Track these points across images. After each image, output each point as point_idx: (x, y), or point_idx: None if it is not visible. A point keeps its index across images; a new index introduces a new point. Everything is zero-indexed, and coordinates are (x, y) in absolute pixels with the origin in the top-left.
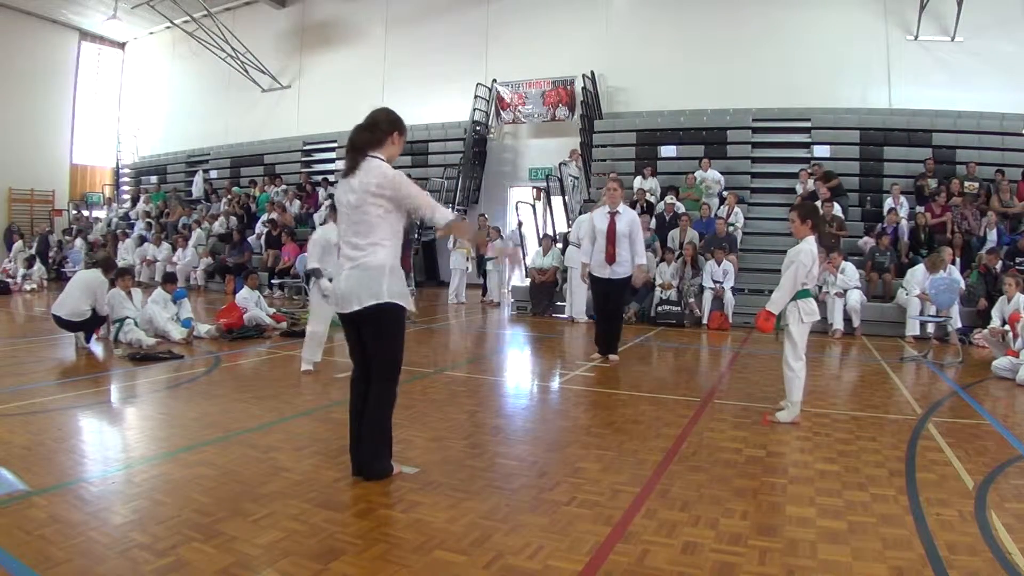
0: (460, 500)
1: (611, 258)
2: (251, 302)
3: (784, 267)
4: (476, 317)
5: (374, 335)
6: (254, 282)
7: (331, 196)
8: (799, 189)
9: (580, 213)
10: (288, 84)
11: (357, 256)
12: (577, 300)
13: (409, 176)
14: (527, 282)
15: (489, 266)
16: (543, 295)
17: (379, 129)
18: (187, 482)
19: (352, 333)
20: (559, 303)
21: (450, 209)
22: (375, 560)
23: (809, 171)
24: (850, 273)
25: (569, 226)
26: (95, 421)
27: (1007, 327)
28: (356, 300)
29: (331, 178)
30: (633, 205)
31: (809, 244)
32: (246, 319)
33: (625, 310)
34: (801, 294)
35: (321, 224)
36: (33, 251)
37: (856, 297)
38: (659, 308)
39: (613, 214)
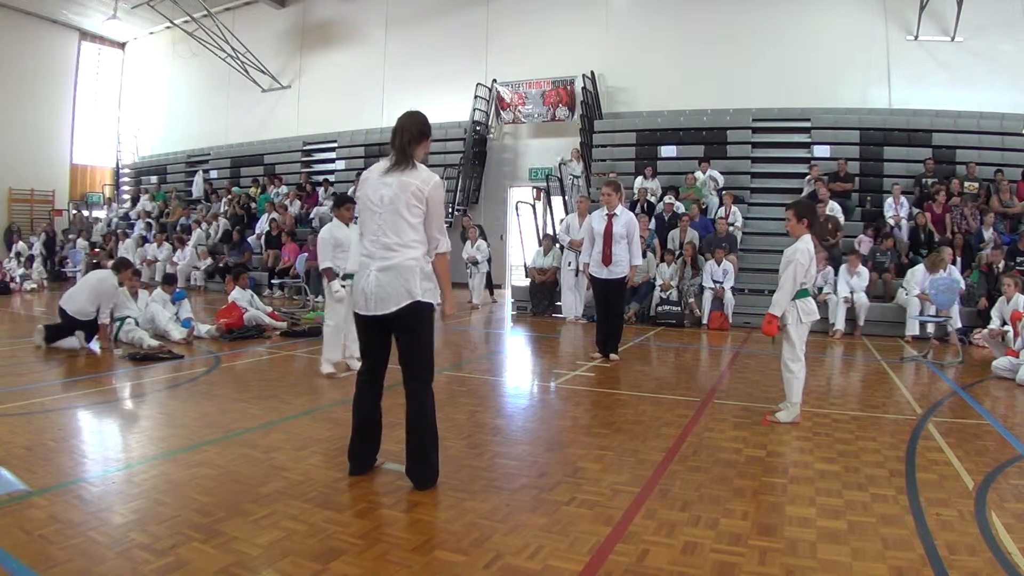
0: (460, 500)
1: (607, 259)
2: (244, 301)
3: (782, 267)
4: (475, 318)
5: (409, 335)
6: (244, 282)
7: (334, 195)
8: (806, 189)
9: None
10: (288, 84)
11: (389, 256)
12: (568, 300)
13: None
14: (527, 282)
15: (472, 267)
16: (543, 295)
17: (418, 130)
18: (187, 482)
19: (375, 334)
20: (559, 303)
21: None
22: (375, 560)
23: (820, 171)
24: (864, 276)
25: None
26: (95, 421)
27: (1007, 327)
28: (392, 301)
29: (331, 179)
30: (634, 206)
31: (805, 243)
32: (246, 319)
33: (625, 310)
34: (800, 294)
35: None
36: (33, 251)
37: (863, 298)
38: (659, 308)
39: (610, 216)
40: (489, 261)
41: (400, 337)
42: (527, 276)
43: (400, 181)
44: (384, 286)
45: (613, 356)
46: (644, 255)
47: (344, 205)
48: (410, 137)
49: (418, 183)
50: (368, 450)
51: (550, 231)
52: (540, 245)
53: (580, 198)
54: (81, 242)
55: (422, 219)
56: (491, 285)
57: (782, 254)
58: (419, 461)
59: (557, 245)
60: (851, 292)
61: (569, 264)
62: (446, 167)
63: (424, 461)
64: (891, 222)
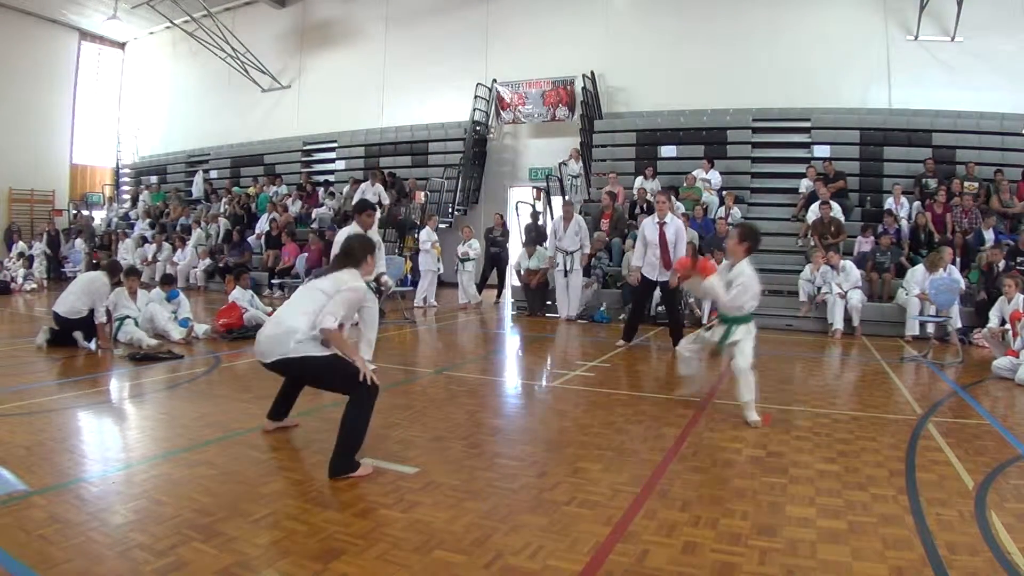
0: (460, 500)
1: (667, 264)
2: (244, 301)
3: (733, 285)
4: (475, 318)
5: (309, 378)
6: (245, 282)
7: (347, 198)
8: (802, 188)
9: (579, 214)
10: (288, 84)
11: (281, 319)
12: (562, 300)
13: (409, 177)
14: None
15: (460, 265)
16: (536, 296)
17: (354, 255)
18: (187, 482)
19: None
20: (550, 303)
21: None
22: (375, 560)
23: (816, 172)
24: (851, 273)
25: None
26: (95, 421)
27: (1007, 327)
28: (269, 354)
29: (331, 179)
30: (634, 206)
31: (743, 267)
32: (246, 319)
33: (625, 310)
34: (747, 318)
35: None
36: (33, 251)
37: (857, 297)
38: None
39: (661, 224)
40: (503, 260)
41: (308, 382)
42: (520, 280)
43: (334, 277)
44: (265, 342)
45: (620, 342)
46: None
47: (365, 212)
48: (345, 263)
49: (328, 284)
50: (286, 408)
51: (546, 232)
52: (523, 247)
53: (565, 204)
54: (79, 242)
55: (325, 302)
56: (501, 285)
57: (782, 254)
58: (335, 452)
59: (544, 246)
60: (844, 291)
61: (557, 265)
62: (446, 167)
63: (337, 454)
64: (901, 212)
